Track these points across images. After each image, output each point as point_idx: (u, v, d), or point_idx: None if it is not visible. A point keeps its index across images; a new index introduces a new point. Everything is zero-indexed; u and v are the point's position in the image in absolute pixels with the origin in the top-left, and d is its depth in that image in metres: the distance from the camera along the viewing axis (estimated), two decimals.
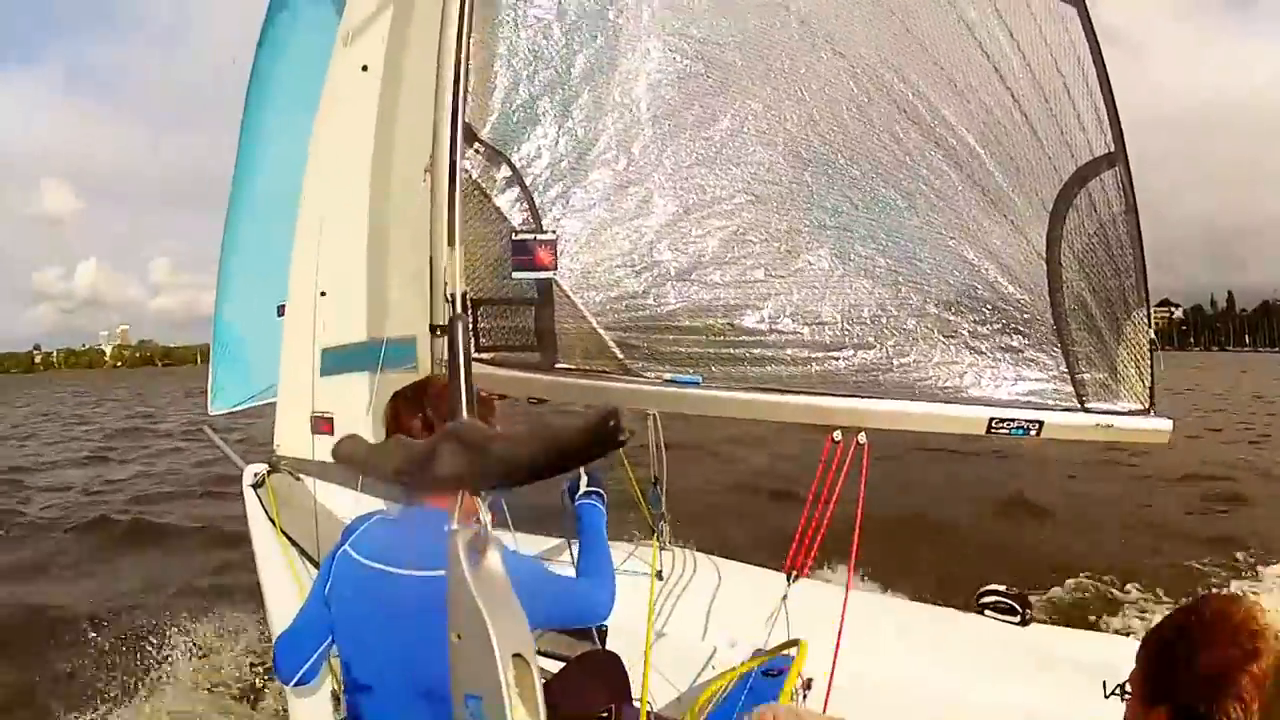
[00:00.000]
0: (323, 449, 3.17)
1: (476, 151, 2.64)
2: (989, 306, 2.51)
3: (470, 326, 2.60)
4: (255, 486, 3.30)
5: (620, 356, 2.52)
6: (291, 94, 4.02)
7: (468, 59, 2.66)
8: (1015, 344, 2.48)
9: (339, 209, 2.94)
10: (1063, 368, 2.48)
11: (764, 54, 2.66)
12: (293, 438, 3.20)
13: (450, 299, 2.58)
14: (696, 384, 2.48)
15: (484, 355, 2.60)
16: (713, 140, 2.62)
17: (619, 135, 2.62)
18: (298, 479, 3.29)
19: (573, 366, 2.55)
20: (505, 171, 2.62)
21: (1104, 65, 2.59)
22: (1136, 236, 2.56)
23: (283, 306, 4.03)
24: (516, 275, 2.56)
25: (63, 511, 10.85)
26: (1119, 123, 2.57)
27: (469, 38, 2.67)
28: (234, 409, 4.47)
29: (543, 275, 2.54)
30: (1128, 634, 4.43)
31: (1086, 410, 2.50)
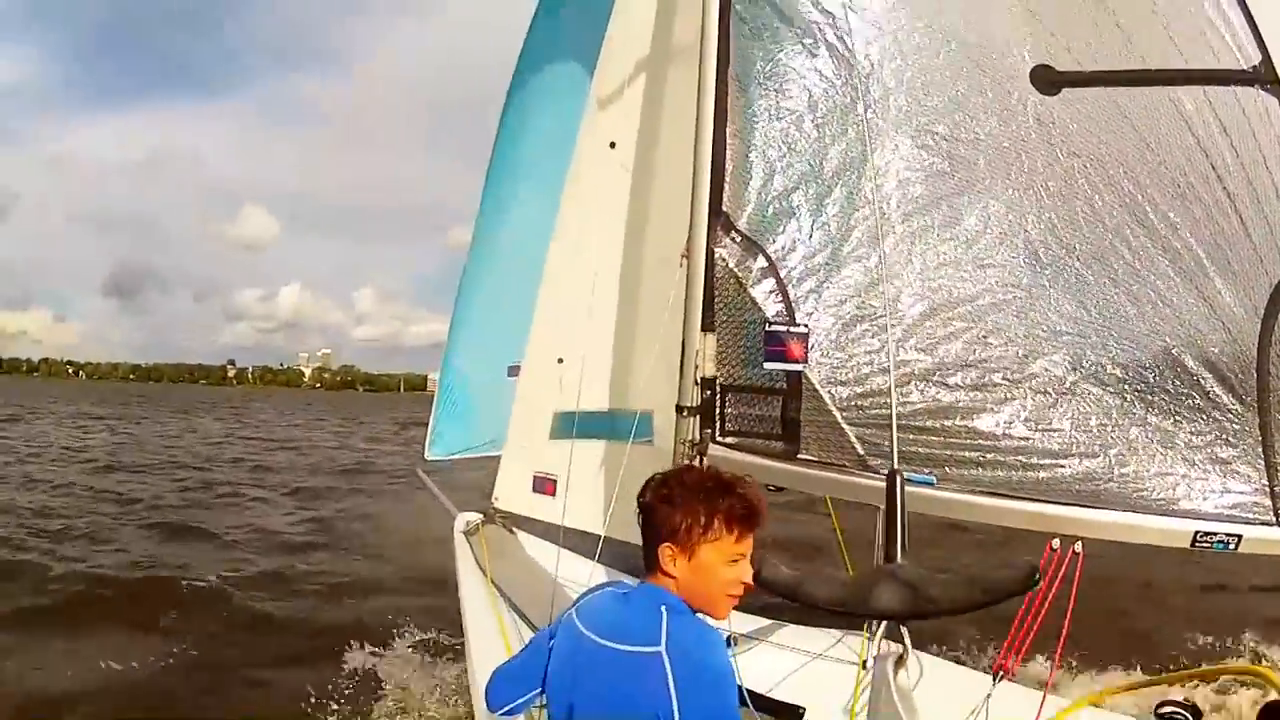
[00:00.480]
0: (542, 508, 3.35)
1: (733, 240, 2.73)
2: (1205, 416, 2.65)
3: (719, 411, 2.76)
4: (467, 534, 3.50)
5: (861, 452, 2.67)
6: (545, 144, 4.04)
7: (724, 146, 2.72)
8: (1226, 456, 2.64)
9: (582, 280, 3.02)
10: (1264, 480, 2.56)
11: (1004, 153, 2.74)
12: (513, 493, 3.38)
13: (701, 382, 2.73)
14: (930, 484, 2.65)
15: (728, 440, 2.77)
16: (958, 240, 2.72)
17: (870, 231, 2.70)
18: (511, 532, 3.49)
19: (813, 458, 2.72)
20: (761, 262, 2.72)
21: None
22: None
23: (514, 367, 4.19)
24: (768, 365, 2.69)
25: None
26: None
27: (725, 126, 2.73)
28: (451, 457, 4.65)
29: (794, 368, 2.68)
30: None
31: None
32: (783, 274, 2.71)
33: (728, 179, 2.73)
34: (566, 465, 3.12)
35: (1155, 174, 2.71)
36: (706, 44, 2.72)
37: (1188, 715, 2.83)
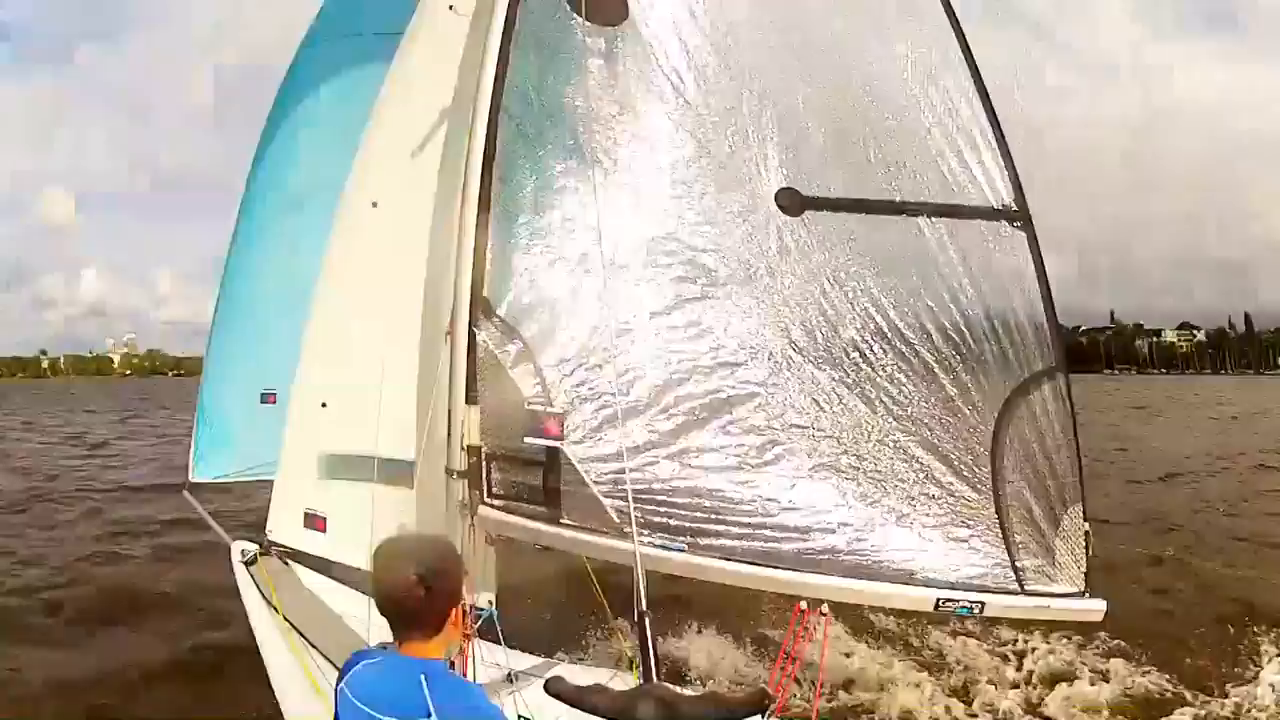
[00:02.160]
0: (314, 543, 3.50)
1: (493, 324, 2.90)
2: (939, 502, 2.78)
3: (484, 475, 2.92)
4: (247, 564, 3.64)
5: (616, 520, 2.83)
6: (304, 176, 4.19)
7: (486, 236, 2.90)
8: (962, 535, 2.77)
9: (345, 328, 3.19)
10: (1004, 556, 2.77)
11: (746, 265, 2.94)
12: (286, 527, 3.51)
13: (467, 449, 2.90)
14: (681, 550, 2.82)
15: (494, 502, 2.94)
16: (701, 340, 2.89)
17: (625, 337, 2.87)
18: (286, 564, 3.63)
19: (574, 523, 2.87)
20: (519, 346, 2.88)
21: (1048, 286, 2.91)
22: (1074, 442, 2.85)
23: (266, 394, 4.33)
24: (527, 440, 2.85)
25: None
26: (1060, 339, 2.91)
27: (488, 216, 2.91)
28: (215, 480, 4.77)
29: (551, 443, 2.83)
30: None
31: (1026, 593, 2.79)
32: (539, 359, 2.87)
33: (489, 267, 2.90)
34: (334, 504, 3.25)
35: (893, 293, 2.90)
36: (475, 138, 2.90)
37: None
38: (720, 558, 2.80)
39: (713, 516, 2.82)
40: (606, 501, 2.85)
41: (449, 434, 2.91)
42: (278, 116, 4.65)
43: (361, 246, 3.18)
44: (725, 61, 3.06)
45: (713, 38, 3.06)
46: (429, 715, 1.68)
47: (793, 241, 2.91)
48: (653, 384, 2.86)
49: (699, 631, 5.58)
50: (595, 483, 2.85)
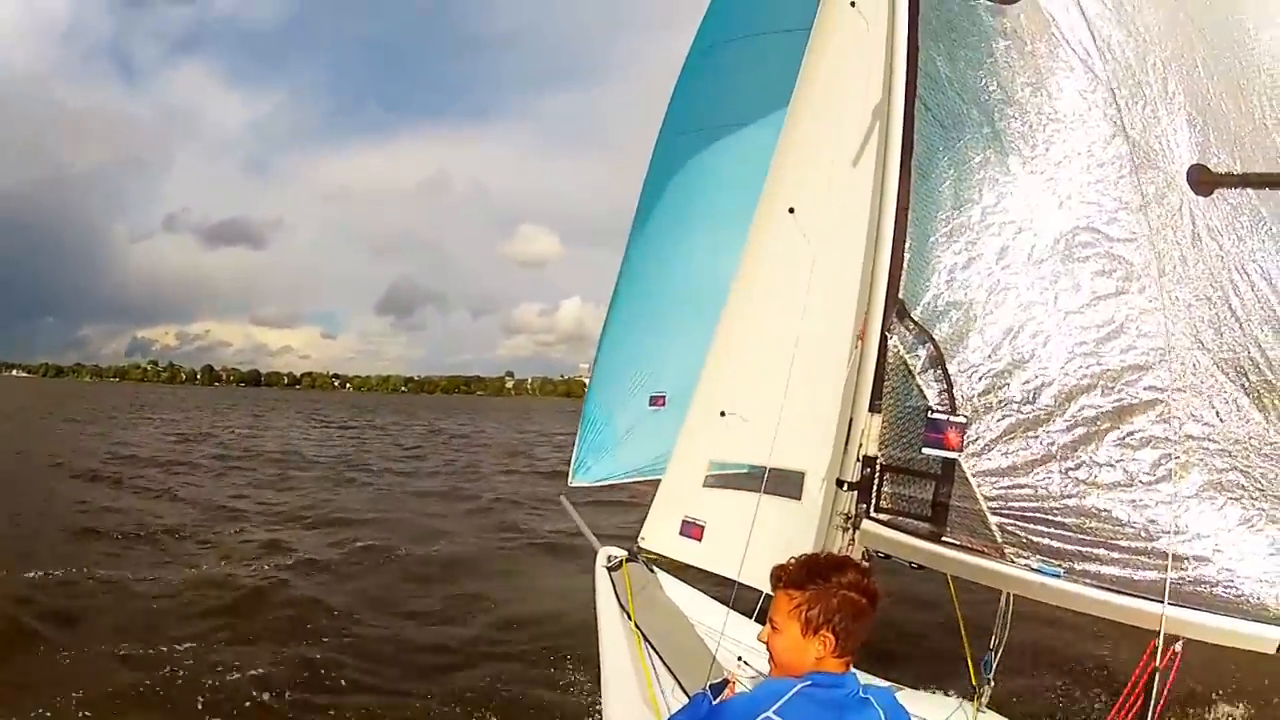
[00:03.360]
0: (688, 551, 3.42)
1: (906, 328, 2.78)
2: None
3: (875, 488, 2.85)
4: (610, 569, 3.55)
5: (999, 540, 2.82)
6: (700, 184, 4.00)
7: (904, 235, 2.74)
8: None
9: (755, 339, 3.04)
10: None
11: (1161, 253, 2.83)
12: (660, 534, 3.43)
13: (863, 460, 2.81)
14: (1058, 575, 2.81)
15: (880, 516, 2.87)
16: (1114, 345, 2.80)
17: (1036, 331, 2.78)
18: (652, 571, 3.55)
19: (956, 541, 2.85)
20: (930, 350, 2.78)
21: None
22: None
23: (655, 397, 4.21)
24: (926, 451, 2.79)
25: None
26: None
27: (906, 214, 2.74)
28: (595, 484, 4.73)
29: (950, 455, 2.78)
30: None
31: None
32: (949, 365, 2.78)
33: (905, 267, 2.76)
34: (715, 512, 3.20)
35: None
36: (891, 133, 2.72)
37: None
38: (1094, 585, 2.75)
39: (1095, 539, 2.78)
40: (993, 520, 2.82)
41: (847, 443, 2.81)
42: (674, 126, 4.42)
43: (777, 253, 3.03)
44: (1126, 28, 2.82)
45: (1109, 2, 2.82)
46: None
47: (1205, 228, 2.77)
48: (1059, 391, 2.80)
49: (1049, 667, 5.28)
50: (986, 498, 2.81)
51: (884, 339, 2.77)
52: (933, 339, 2.78)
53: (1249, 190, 2.84)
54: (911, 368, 2.78)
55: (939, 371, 2.79)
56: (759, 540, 3.03)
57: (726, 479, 3.23)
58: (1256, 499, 2.85)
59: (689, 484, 3.22)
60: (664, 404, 4.54)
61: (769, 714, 1.71)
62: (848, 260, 2.86)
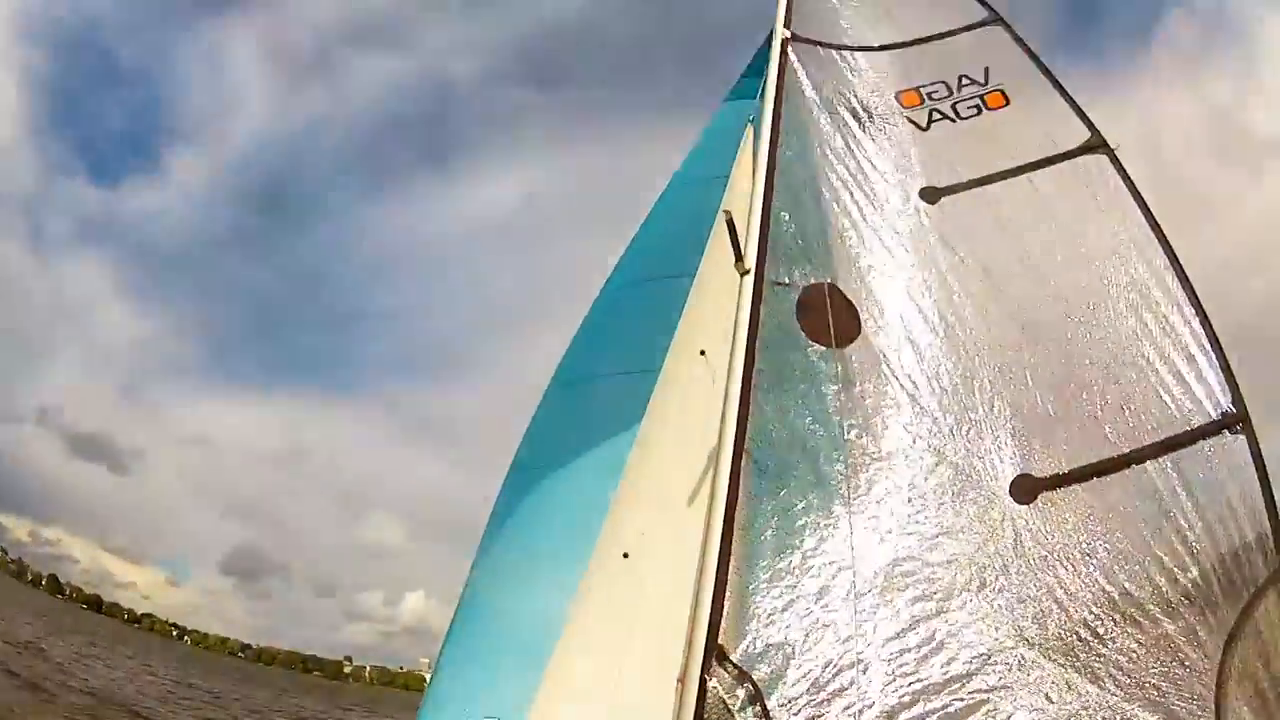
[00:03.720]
0: None
1: (726, 670, 2.82)
2: None
3: None
4: None
5: None
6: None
7: (724, 587, 2.74)
8: None
9: (584, 672, 3.13)
10: None
11: (982, 567, 2.88)
12: None
13: None
14: None
15: None
16: (933, 661, 2.87)
17: (851, 661, 2.83)
18: None
19: None
20: (749, 689, 2.83)
21: (1269, 486, 2.94)
22: None
23: None
24: None
25: None
26: None
27: (729, 560, 2.74)
28: None
29: None
30: None
31: None
32: (769, 701, 2.83)
33: (725, 615, 2.78)
34: None
35: (1122, 558, 2.93)
36: (717, 489, 2.67)
37: None
38: None
39: None
40: None
41: None
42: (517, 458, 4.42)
43: (609, 596, 3.13)
44: (956, 353, 2.93)
45: (939, 329, 2.96)
46: None
47: (1028, 533, 2.91)
48: (880, 711, 2.87)
49: None
50: None
51: (703, 682, 2.82)
52: (751, 679, 2.82)
53: (1075, 486, 2.91)
54: (730, 706, 2.85)
55: (758, 708, 2.85)
56: None
57: None
58: None
59: None
60: None
61: None
62: (677, 605, 2.89)
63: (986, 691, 2.89)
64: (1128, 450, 2.95)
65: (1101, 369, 3.05)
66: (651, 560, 3.07)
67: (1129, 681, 2.87)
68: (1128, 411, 3.01)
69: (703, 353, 3.07)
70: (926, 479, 2.88)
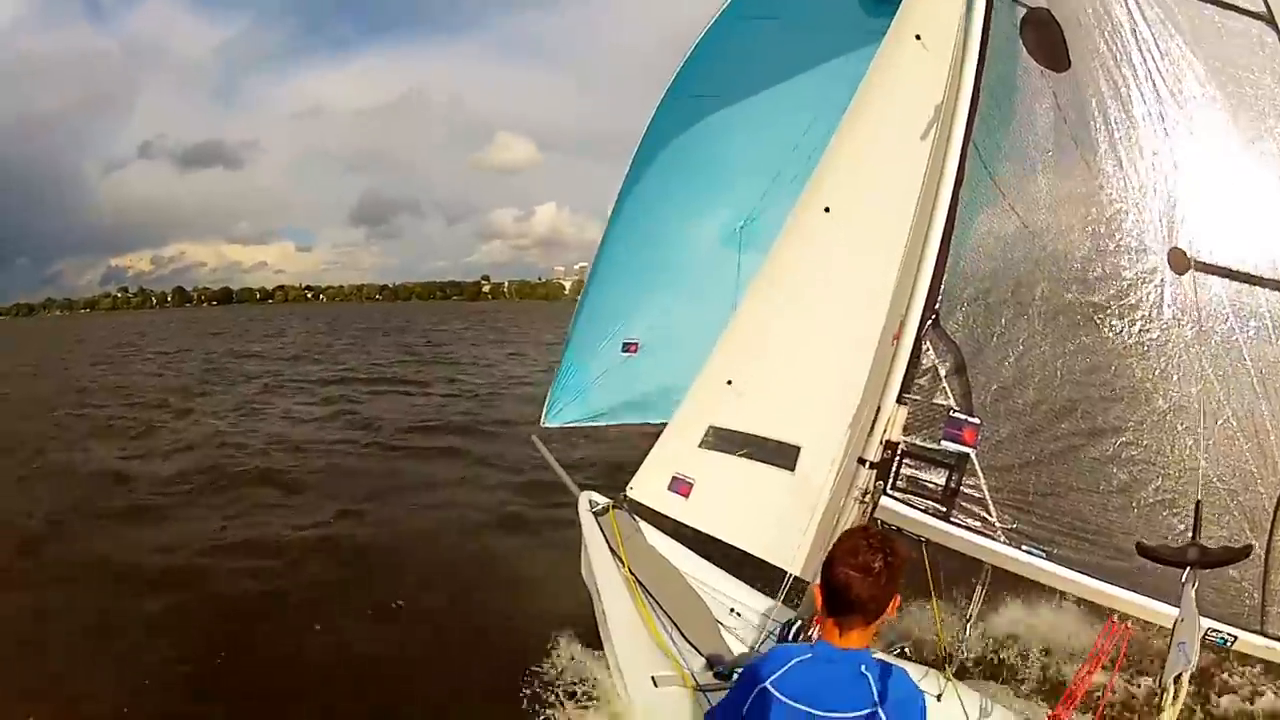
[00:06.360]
0: (674, 506, 3.69)
1: (939, 336, 3.19)
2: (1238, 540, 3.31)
3: (894, 470, 3.23)
4: (597, 515, 3.77)
5: (998, 525, 3.23)
6: (712, 149, 4.31)
7: (947, 251, 3.18)
8: (1234, 575, 3.15)
9: (773, 321, 3.39)
10: (1258, 597, 3.13)
11: (1146, 316, 3.32)
12: (649, 487, 3.69)
13: (885, 444, 3.20)
14: (1042, 556, 3.23)
15: (896, 494, 3.25)
16: (1096, 377, 3.26)
17: (1037, 363, 3.23)
18: (635, 520, 3.79)
19: (961, 522, 3.24)
20: (956, 358, 3.18)
21: None
22: None
23: (629, 344, 4.47)
24: (945, 444, 3.19)
25: None
26: None
27: (951, 234, 3.19)
28: (565, 425, 4.85)
29: (966, 450, 3.18)
30: None
31: (1265, 635, 3.13)
32: (970, 372, 3.20)
33: (942, 287, 3.19)
34: (706, 473, 3.47)
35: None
36: (947, 165, 3.15)
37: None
38: (1067, 567, 3.17)
39: (1070, 531, 3.21)
40: (994, 507, 3.23)
41: (872, 428, 3.19)
42: (684, 87, 4.42)
43: (808, 247, 3.34)
44: (1165, 126, 3.24)
45: (1148, 97, 3.25)
46: (875, 707, 1.73)
47: (1184, 306, 3.19)
48: (1050, 409, 3.23)
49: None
50: (990, 489, 3.22)
51: (919, 342, 3.18)
52: (959, 348, 3.21)
53: (1230, 280, 3.28)
54: (939, 371, 3.20)
55: (962, 377, 3.21)
56: (747, 503, 3.35)
57: (722, 443, 3.50)
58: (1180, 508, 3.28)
59: (685, 443, 3.48)
60: (636, 351, 4.75)
61: (765, 685, 1.82)
62: (877, 269, 3.25)
63: (1126, 422, 3.23)
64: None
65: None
66: (858, 221, 3.27)
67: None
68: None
69: (918, 37, 3.20)
70: (1104, 224, 3.16)
